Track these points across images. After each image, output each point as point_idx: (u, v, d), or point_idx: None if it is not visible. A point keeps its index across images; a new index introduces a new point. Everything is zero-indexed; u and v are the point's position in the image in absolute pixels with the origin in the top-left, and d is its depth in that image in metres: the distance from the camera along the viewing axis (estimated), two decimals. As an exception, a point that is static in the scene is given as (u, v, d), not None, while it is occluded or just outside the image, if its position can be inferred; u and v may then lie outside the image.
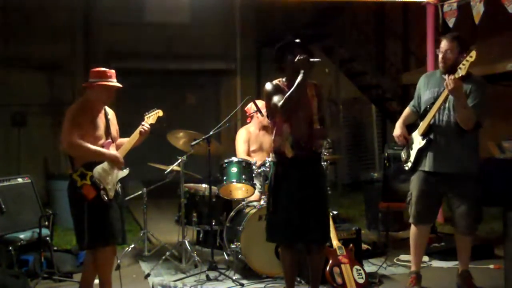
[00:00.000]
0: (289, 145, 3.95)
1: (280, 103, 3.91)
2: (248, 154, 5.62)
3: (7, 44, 9.42)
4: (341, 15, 10.65)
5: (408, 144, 4.55)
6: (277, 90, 3.99)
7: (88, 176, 3.94)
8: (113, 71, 4.17)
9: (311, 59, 3.91)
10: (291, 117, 3.94)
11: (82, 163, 3.96)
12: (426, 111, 4.38)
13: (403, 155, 4.63)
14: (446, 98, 4.23)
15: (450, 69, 4.26)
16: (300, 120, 3.96)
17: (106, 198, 3.98)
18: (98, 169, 3.98)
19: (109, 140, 4.13)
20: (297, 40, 4.07)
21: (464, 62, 4.09)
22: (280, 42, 4.09)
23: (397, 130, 4.61)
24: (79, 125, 3.92)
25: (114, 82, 4.13)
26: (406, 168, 4.57)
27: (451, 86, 4.07)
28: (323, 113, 4.10)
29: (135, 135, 4.29)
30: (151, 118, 4.42)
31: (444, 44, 4.33)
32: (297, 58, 3.90)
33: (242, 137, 5.69)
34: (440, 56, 4.35)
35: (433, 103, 4.33)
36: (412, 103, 4.65)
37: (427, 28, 6.91)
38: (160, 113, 4.47)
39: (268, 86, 4.06)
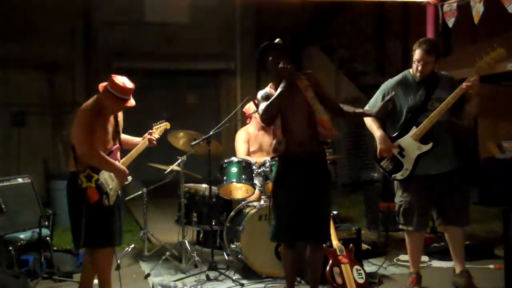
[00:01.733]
0: (274, 148, 3.97)
1: (260, 113, 3.95)
2: (248, 155, 5.62)
3: (7, 44, 9.41)
4: (341, 15, 10.66)
5: (392, 154, 4.45)
6: (267, 98, 3.95)
7: (94, 179, 3.93)
8: (133, 87, 4.08)
9: (288, 67, 3.84)
10: (287, 119, 3.94)
11: (88, 164, 3.94)
12: (415, 116, 4.35)
13: (386, 166, 4.49)
14: (452, 101, 4.23)
15: (427, 77, 4.35)
16: (298, 119, 3.95)
17: (107, 204, 3.97)
18: (104, 174, 3.98)
19: (117, 145, 4.14)
20: (276, 41, 4.03)
21: (488, 60, 4.08)
22: (262, 44, 4.07)
23: (385, 143, 4.43)
24: (94, 131, 3.89)
25: (131, 102, 4.08)
26: (400, 177, 4.44)
27: (476, 89, 4.12)
28: (328, 97, 4.09)
29: (143, 144, 4.32)
30: (159, 130, 4.46)
31: (420, 55, 4.31)
32: (278, 66, 3.86)
33: (242, 137, 5.69)
34: (419, 67, 4.33)
35: (424, 107, 4.31)
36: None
37: (427, 28, 6.90)
38: (167, 125, 4.54)
39: (259, 95, 4.04)
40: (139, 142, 4.37)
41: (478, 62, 4.13)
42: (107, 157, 3.96)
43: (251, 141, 5.67)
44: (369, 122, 4.58)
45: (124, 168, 4.09)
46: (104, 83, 4.05)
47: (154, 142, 4.38)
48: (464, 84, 4.16)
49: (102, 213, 3.96)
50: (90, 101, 4.04)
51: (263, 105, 3.94)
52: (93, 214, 3.91)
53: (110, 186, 4.00)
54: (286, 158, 4.00)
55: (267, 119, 3.95)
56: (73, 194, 4.00)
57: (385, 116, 4.55)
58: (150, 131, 4.43)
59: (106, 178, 3.99)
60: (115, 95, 3.99)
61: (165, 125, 4.52)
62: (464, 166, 4.46)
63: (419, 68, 4.34)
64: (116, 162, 4.07)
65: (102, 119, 3.99)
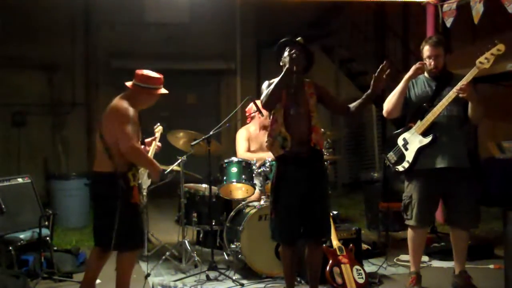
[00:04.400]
0: (279, 145, 3.97)
1: (261, 99, 4.02)
2: (248, 152, 5.63)
3: (7, 44, 9.41)
4: (341, 15, 10.66)
5: (396, 146, 4.51)
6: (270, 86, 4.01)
7: (137, 177, 3.94)
8: (161, 76, 4.15)
9: (293, 55, 3.89)
10: (289, 118, 3.96)
11: (127, 163, 3.90)
12: (422, 110, 4.37)
13: (391, 157, 4.57)
14: (446, 103, 4.25)
15: (440, 74, 4.37)
16: (298, 117, 3.98)
17: (143, 204, 3.98)
18: (140, 172, 4.02)
19: (144, 145, 4.18)
20: (298, 39, 4.08)
21: (488, 56, 4.09)
22: (280, 40, 4.10)
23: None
24: (135, 127, 3.89)
25: (164, 90, 4.14)
26: (401, 169, 4.51)
27: (465, 93, 4.13)
28: (335, 100, 4.22)
29: (154, 148, 4.35)
30: (158, 133, 4.52)
31: (431, 50, 4.35)
32: (292, 58, 3.92)
33: (243, 135, 5.71)
34: (432, 63, 4.36)
35: (431, 102, 4.34)
36: None
37: (427, 28, 6.91)
38: (161, 129, 4.60)
39: (264, 84, 4.10)
40: (149, 143, 4.41)
41: (479, 58, 4.15)
42: (146, 154, 4.00)
43: (251, 140, 5.69)
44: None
45: (159, 166, 4.08)
46: (130, 82, 4.07)
47: (159, 147, 4.46)
48: (454, 89, 4.21)
49: (137, 214, 3.96)
50: (120, 99, 4.00)
51: (266, 91, 3.99)
52: (128, 215, 3.87)
53: (144, 187, 4.01)
54: (286, 158, 4.00)
55: (268, 102, 4.00)
56: (108, 195, 3.91)
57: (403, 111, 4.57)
58: (154, 137, 4.45)
59: (141, 177, 4.02)
60: (148, 87, 4.03)
61: (160, 129, 4.58)
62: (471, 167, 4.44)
63: (433, 63, 4.37)
64: (154, 160, 4.07)
65: (136, 116, 3.99)
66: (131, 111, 3.91)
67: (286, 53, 3.98)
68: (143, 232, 4.05)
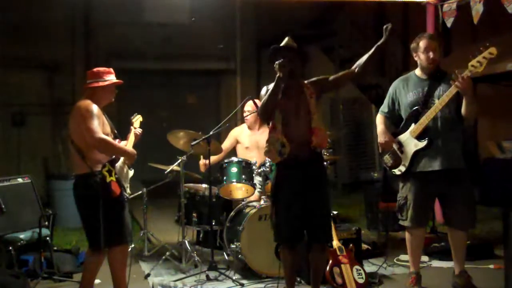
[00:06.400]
0: (276, 151, 3.97)
1: (258, 113, 4.06)
2: (231, 151, 5.75)
3: (7, 44, 9.42)
4: (341, 15, 10.67)
5: (392, 149, 4.49)
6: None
7: (113, 172, 3.97)
8: (110, 68, 4.17)
9: (281, 64, 3.86)
10: (289, 122, 3.96)
11: (100, 162, 3.94)
12: (415, 113, 4.36)
13: (387, 161, 4.55)
14: (446, 99, 4.23)
15: (433, 73, 4.35)
16: (297, 121, 3.97)
17: (126, 195, 4.02)
18: (117, 167, 4.04)
19: (118, 138, 4.18)
20: (283, 45, 4.04)
21: (480, 59, 4.05)
22: (273, 45, 4.07)
23: (384, 136, 4.51)
24: (100, 121, 3.92)
25: (114, 80, 4.14)
26: (398, 173, 4.49)
27: (463, 85, 4.07)
28: (336, 78, 4.16)
29: (132, 137, 4.36)
30: (137, 122, 4.53)
31: (428, 43, 4.32)
32: (283, 68, 3.89)
33: (232, 133, 5.86)
34: (430, 55, 4.32)
35: (424, 104, 4.32)
36: (384, 110, 4.62)
37: (427, 28, 6.91)
38: (140, 118, 4.59)
39: (263, 90, 4.09)
40: (128, 136, 4.43)
41: (471, 61, 4.12)
42: (115, 142, 4.02)
43: (242, 138, 5.75)
44: (378, 119, 4.65)
45: (133, 150, 4.14)
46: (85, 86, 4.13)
47: (139, 132, 4.47)
48: (456, 81, 4.15)
49: (120, 208, 3.99)
50: (82, 100, 4.05)
51: (261, 103, 4.02)
52: (112, 211, 3.92)
53: (123, 178, 4.08)
54: (286, 162, 3.99)
55: (263, 116, 4.04)
56: (87, 195, 3.94)
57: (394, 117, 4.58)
58: (132, 127, 4.49)
59: (119, 170, 4.05)
60: (97, 81, 4.06)
61: (138, 117, 4.59)
62: (468, 167, 4.44)
63: (431, 55, 4.32)
64: (125, 146, 4.14)
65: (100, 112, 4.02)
66: (93, 106, 3.95)
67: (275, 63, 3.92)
68: (128, 224, 4.07)
